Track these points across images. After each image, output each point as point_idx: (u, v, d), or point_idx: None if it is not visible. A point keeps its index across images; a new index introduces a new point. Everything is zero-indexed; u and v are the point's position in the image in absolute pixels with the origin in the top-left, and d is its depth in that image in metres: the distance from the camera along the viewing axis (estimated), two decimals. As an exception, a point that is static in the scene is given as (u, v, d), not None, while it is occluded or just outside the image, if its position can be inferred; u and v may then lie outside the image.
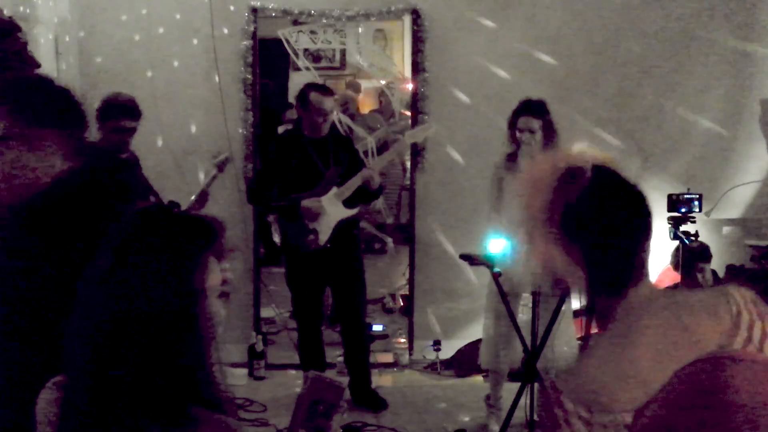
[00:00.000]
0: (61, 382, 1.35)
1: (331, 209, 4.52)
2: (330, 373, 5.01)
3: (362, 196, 4.66)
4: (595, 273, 1.35)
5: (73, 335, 1.29)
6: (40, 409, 1.36)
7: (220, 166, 4.61)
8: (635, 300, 1.34)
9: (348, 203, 4.57)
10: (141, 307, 1.24)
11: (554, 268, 1.36)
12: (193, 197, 4.48)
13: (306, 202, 4.46)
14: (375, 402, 4.75)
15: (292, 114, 6.73)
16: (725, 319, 1.30)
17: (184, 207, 4.35)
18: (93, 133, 3.99)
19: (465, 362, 5.27)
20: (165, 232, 1.31)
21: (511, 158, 4.30)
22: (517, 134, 4.23)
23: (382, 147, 6.34)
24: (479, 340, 4.65)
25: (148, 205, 1.37)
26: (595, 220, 1.34)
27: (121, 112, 4.10)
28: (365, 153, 5.92)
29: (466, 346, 5.32)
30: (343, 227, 4.56)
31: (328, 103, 4.52)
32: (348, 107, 7.20)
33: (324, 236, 4.51)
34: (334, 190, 4.54)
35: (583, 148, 1.39)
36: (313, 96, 4.48)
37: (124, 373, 1.23)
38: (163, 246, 1.29)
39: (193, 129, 5.40)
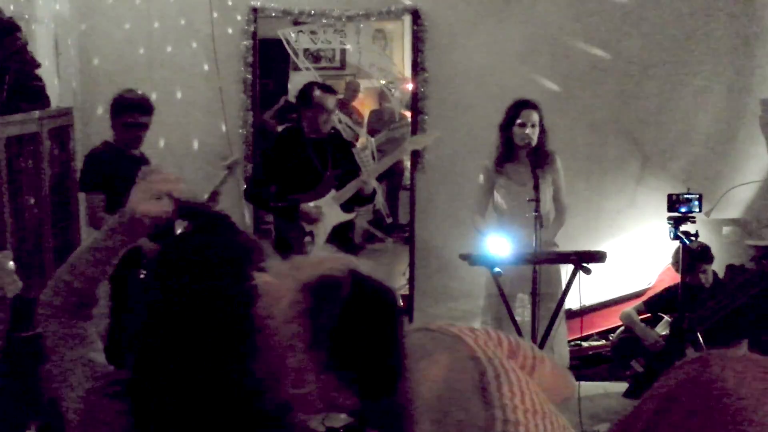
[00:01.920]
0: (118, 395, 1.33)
1: (329, 212, 4.52)
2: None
3: (357, 201, 4.67)
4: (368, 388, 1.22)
5: (141, 347, 1.29)
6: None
7: (230, 168, 4.61)
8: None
9: (344, 207, 4.58)
10: (205, 322, 1.22)
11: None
12: (205, 196, 4.48)
13: (305, 207, 4.46)
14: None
15: (269, 115, 6.73)
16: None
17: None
18: (107, 131, 3.99)
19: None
20: (218, 247, 1.30)
21: (502, 162, 4.32)
22: (517, 130, 4.24)
23: (383, 148, 6.35)
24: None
25: (196, 222, 1.37)
26: (357, 349, 1.18)
27: (133, 107, 4.13)
28: (365, 154, 5.93)
29: None
30: (339, 230, 4.56)
31: (331, 101, 4.52)
32: (348, 103, 7.23)
33: (320, 239, 4.51)
34: (332, 193, 4.54)
35: (321, 257, 1.25)
36: (317, 94, 4.48)
37: (198, 377, 1.22)
38: (216, 262, 1.27)
39: (193, 129, 5.40)
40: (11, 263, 2.29)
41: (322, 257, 1.24)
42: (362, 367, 1.22)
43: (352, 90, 7.76)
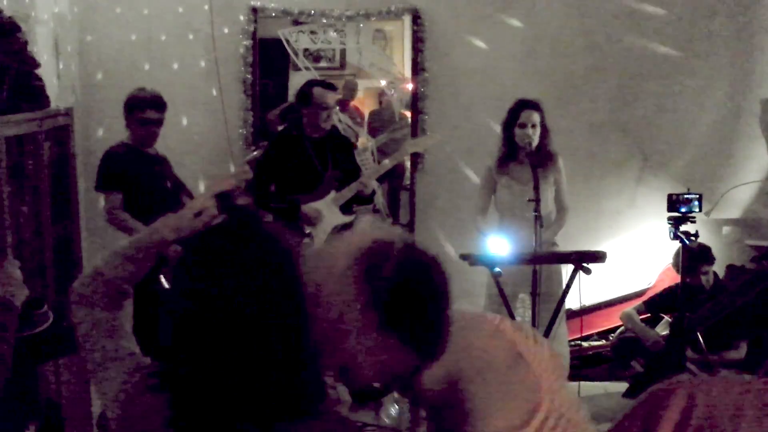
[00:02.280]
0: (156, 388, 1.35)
1: (328, 214, 4.52)
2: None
3: (356, 201, 4.67)
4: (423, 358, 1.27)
5: (173, 329, 1.31)
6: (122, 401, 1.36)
7: (251, 163, 4.59)
8: None
9: (344, 208, 4.58)
10: (248, 304, 1.25)
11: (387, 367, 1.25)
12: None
13: (306, 209, 4.46)
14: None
15: (273, 114, 6.73)
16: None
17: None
18: (107, 131, 4.00)
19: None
20: (266, 236, 1.33)
21: (504, 161, 4.32)
22: (518, 130, 4.25)
23: (384, 148, 6.34)
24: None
25: (240, 213, 1.41)
26: (415, 307, 1.26)
27: (145, 103, 4.16)
28: (365, 154, 5.92)
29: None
30: (339, 231, 4.56)
31: (331, 98, 4.52)
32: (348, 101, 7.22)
33: (319, 241, 4.51)
34: (332, 194, 4.53)
35: (367, 227, 1.31)
36: (317, 91, 4.48)
37: (241, 369, 1.24)
38: (267, 249, 1.30)
39: (193, 129, 5.40)
40: (18, 271, 2.30)
41: (367, 228, 1.31)
42: (415, 328, 1.28)
43: (350, 89, 7.75)
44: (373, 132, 7.12)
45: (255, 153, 4.73)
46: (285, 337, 1.26)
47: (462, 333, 1.34)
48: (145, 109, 4.15)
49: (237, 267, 1.27)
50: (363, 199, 4.65)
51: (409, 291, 1.26)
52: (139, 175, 4.13)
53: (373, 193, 4.72)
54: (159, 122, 4.22)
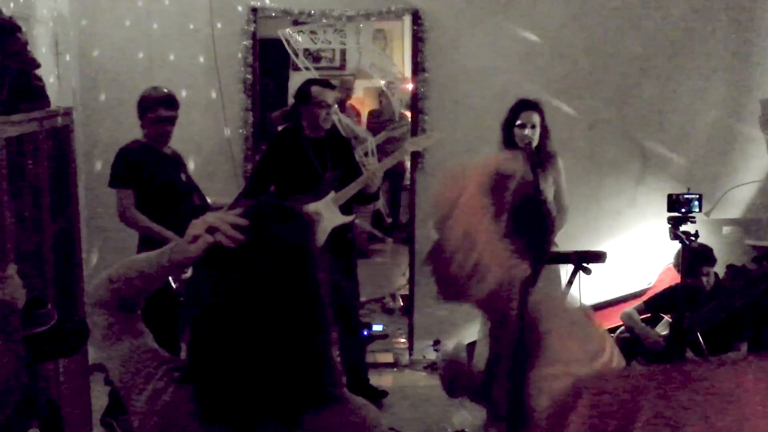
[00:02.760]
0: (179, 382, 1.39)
1: (328, 214, 4.51)
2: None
3: (359, 199, 4.67)
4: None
5: (200, 324, 1.37)
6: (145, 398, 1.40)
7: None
8: None
9: (344, 209, 4.57)
10: (268, 296, 1.32)
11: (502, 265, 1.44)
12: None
13: (304, 208, 4.46)
14: (373, 394, 4.76)
15: (276, 115, 6.73)
16: None
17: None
18: (107, 130, 3.99)
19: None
20: (283, 226, 1.40)
21: None
22: (517, 131, 4.25)
23: (383, 148, 6.34)
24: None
25: (263, 203, 1.50)
26: (534, 216, 1.50)
27: (157, 102, 4.19)
28: (366, 154, 5.92)
29: (466, 346, 5.30)
30: (338, 231, 4.56)
31: (330, 96, 4.51)
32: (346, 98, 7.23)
33: (318, 241, 4.50)
34: (332, 194, 4.53)
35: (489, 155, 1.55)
36: (315, 89, 4.49)
37: (263, 361, 1.31)
38: (284, 238, 1.38)
39: (193, 129, 5.39)
40: (16, 275, 2.32)
41: (489, 156, 1.59)
42: (534, 237, 1.51)
43: (346, 89, 7.75)
44: (372, 131, 7.12)
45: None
46: (301, 326, 1.33)
47: (544, 286, 1.56)
48: (157, 108, 4.17)
49: (254, 260, 1.34)
50: (366, 198, 4.65)
51: (529, 206, 1.49)
52: (153, 173, 4.16)
53: (378, 191, 4.73)
54: (171, 120, 4.24)
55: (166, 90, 4.30)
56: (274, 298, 1.31)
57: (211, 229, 1.37)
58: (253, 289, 1.31)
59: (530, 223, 1.49)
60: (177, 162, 4.38)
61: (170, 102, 4.23)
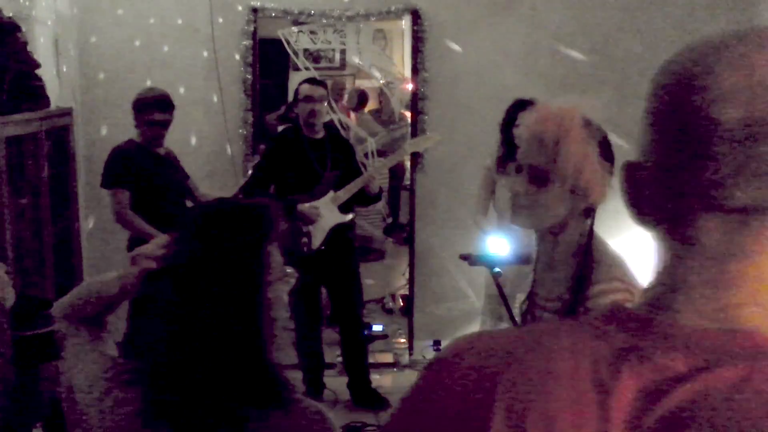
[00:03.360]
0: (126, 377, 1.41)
1: (327, 214, 4.52)
2: (330, 373, 5.02)
3: (361, 200, 4.68)
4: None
5: (149, 329, 1.39)
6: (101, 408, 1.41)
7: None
8: None
9: (343, 208, 4.58)
10: (210, 301, 1.33)
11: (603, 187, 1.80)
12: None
13: (303, 207, 4.47)
14: (375, 401, 4.75)
15: (271, 118, 6.73)
16: None
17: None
18: (107, 130, 4.00)
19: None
20: (227, 227, 1.39)
21: (503, 162, 4.32)
22: (516, 131, 4.24)
23: (383, 150, 6.34)
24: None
25: (209, 203, 1.50)
26: (611, 149, 1.87)
27: (151, 105, 4.19)
28: (365, 155, 5.93)
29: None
30: (337, 231, 4.56)
31: (318, 91, 4.54)
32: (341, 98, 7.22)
33: (317, 241, 4.51)
34: (331, 194, 4.54)
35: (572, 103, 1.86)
36: (303, 87, 4.56)
37: (204, 362, 1.32)
38: (227, 241, 1.37)
39: (193, 129, 5.40)
40: (5, 275, 2.31)
41: (573, 103, 1.85)
42: (612, 159, 1.83)
43: (338, 89, 7.74)
44: (372, 132, 7.12)
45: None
46: (243, 329, 1.34)
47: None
48: (151, 111, 4.18)
49: (199, 264, 1.35)
50: (368, 198, 4.66)
51: (608, 140, 1.86)
52: (146, 174, 4.16)
53: (380, 191, 4.73)
54: (165, 123, 4.26)
55: (161, 91, 4.29)
56: (216, 302, 1.32)
57: (135, 260, 1.45)
58: (196, 292, 1.32)
59: (611, 148, 1.94)
60: (171, 163, 4.38)
61: (165, 105, 4.23)
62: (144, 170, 4.14)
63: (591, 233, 1.87)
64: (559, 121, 1.77)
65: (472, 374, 0.74)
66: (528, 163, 1.80)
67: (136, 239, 4.01)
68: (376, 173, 4.68)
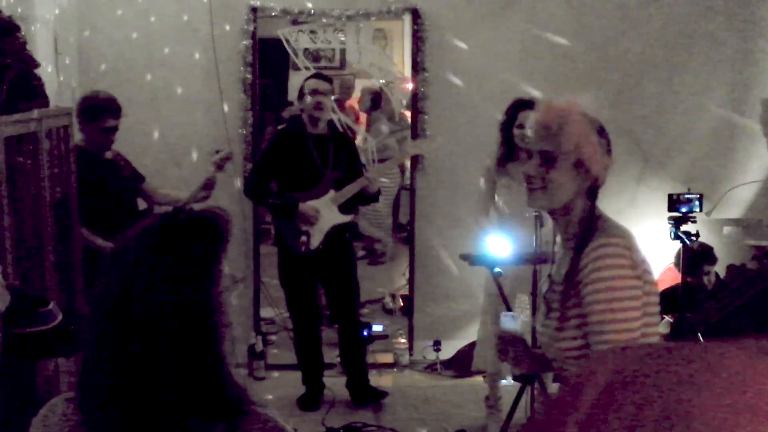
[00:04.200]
0: (73, 396, 1.36)
1: (326, 213, 4.51)
2: (330, 373, 5.02)
3: (360, 200, 4.68)
4: None
5: (92, 343, 1.32)
6: (51, 423, 1.37)
7: (220, 165, 4.52)
8: None
9: (343, 208, 4.57)
10: (157, 316, 1.27)
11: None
12: (198, 188, 4.43)
13: (303, 207, 4.46)
14: (373, 395, 4.75)
15: (289, 112, 6.73)
16: None
17: (189, 192, 4.35)
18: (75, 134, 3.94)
19: (465, 362, 5.27)
20: (175, 242, 1.32)
21: (503, 161, 4.32)
22: (516, 131, 4.24)
23: (384, 150, 6.34)
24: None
25: (158, 216, 1.40)
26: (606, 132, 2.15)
27: (105, 111, 4.07)
28: (365, 155, 5.91)
29: (465, 346, 5.31)
30: (336, 231, 4.55)
31: (323, 85, 4.54)
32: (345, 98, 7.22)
33: (316, 240, 4.51)
34: (331, 193, 4.53)
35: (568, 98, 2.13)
36: (308, 81, 4.56)
37: (149, 376, 1.27)
38: (174, 257, 1.30)
39: (193, 129, 5.39)
40: (0, 277, 2.30)
41: (569, 98, 2.11)
42: (609, 142, 2.14)
43: (346, 88, 7.74)
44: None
45: (223, 153, 4.61)
46: (192, 342, 1.29)
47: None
48: (104, 118, 4.05)
49: (148, 276, 1.29)
50: (367, 198, 4.66)
51: (604, 128, 2.13)
52: (90, 180, 3.95)
53: (379, 192, 4.73)
54: (116, 129, 4.12)
55: (110, 95, 4.14)
56: (163, 315, 1.27)
57: None
58: (144, 306, 1.27)
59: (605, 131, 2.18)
60: (116, 166, 4.23)
61: (116, 110, 4.09)
62: (86, 176, 3.90)
63: (593, 206, 2.13)
64: (561, 110, 2.06)
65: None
66: (538, 149, 2.07)
67: (87, 248, 3.84)
68: (377, 173, 4.67)
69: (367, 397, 4.77)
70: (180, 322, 1.28)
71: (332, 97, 4.86)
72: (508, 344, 2.31)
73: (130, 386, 1.27)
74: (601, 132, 2.11)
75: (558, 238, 2.22)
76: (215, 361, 1.30)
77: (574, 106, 2.09)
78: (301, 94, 4.61)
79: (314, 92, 4.51)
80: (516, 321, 2.37)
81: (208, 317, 1.30)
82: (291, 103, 6.81)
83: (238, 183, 5.28)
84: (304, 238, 4.48)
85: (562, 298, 2.03)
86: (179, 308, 1.28)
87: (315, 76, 4.66)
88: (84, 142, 4.09)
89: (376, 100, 7.55)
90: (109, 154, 4.21)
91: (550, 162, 2.06)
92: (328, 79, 4.70)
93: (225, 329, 1.33)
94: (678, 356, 0.71)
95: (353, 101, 7.89)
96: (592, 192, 2.14)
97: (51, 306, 2.48)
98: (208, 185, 4.40)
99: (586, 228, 2.09)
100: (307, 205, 4.48)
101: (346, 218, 4.61)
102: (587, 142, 2.04)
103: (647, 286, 2.01)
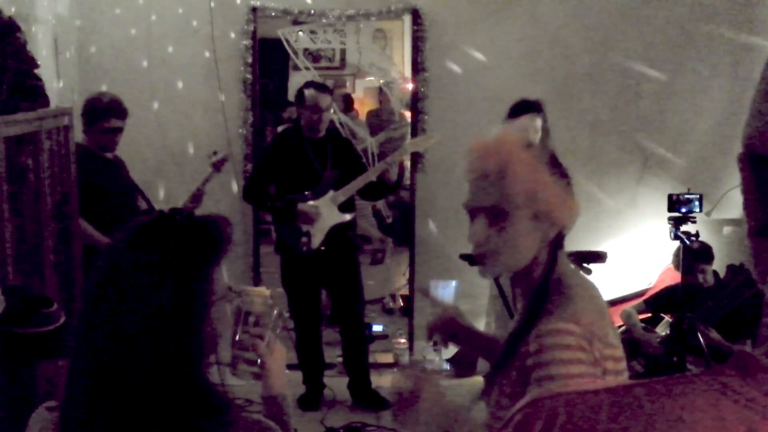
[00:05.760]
0: (55, 405, 1.34)
1: (326, 213, 4.51)
2: (330, 373, 5.02)
3: (383, 190, 4.66)
4: None
5: (75, 353, 1.30)
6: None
7: (217, 166, 4.58)
8: None
9: (343, 208, 4.57)
10: (141, 322, 1.24)
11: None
12: (187, 198, 4.47)
13: (302, 206, 4.46)
14: (375, 402, 4.74)
15: (289, 112, 6.73)
16: None
17: (179, 206, 4.34)
18: (79, 135, 3.96)
19: (465, 362, 5.26)
20: (167, 246, 1.28)
21: None
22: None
23: (383, 148, 6.34)
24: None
25: (151, 218, 1.36)
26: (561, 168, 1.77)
27: (109, 112, 4.09)
28: (365, 152, 5.92)
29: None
30: (337, 230, 4.55)
31: (324, 100, 4.51)
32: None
33: (317, 240, 4.51)
34: (331, 193, 4.53)
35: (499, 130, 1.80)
36: (309, 93, 4.50)
37: (131, 387, 1.24)
38: (165, 261, 1.27)
39: (193, 129, 5.39)
40: None
41: (520, 124, 2.02)
42: (566, 178, 1.75)
43: (349, 103, 7.78)
44: (372, 131, 7.13)
45: (220, 155, 4.65)
46: (174, 351, 1.26)
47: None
48: (109, 119, 4.07)
49: (133, 275, 1.26)
50: (389, 187, 4.64)
51: (557, 158, 1.75)
52: (98, 180, 4.02)
53: (401, 180, 4.72)
54: (121, 130, 4.15)
55: (115, 97, 4.17)
56: (146, 321, 1.24)
57: None
58: (124, 311, 1.24)
59: (560, 167, 1.82)
60: (118, 166, 4.26)
61: (121, 111, 4.12)
62: (89, 176, 3.95)
63: (549, 261, 1.62)
64: (498, 150, 1.65)
65: None
66: (480, 206, 1.69)
67: (88, 247, 3.84)
68: (373, 174, 4.65)
69: (368, 401, 4.77)
70: (159, 328, 1.24)
71: (331, 111, 4.83)
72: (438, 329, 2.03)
73: (110, 393, 1.24)
74: (554, 163, 1.71)
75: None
76: (195, 370, 1.27)
77: (513, 141, 1.68)
78: (299, 97, 4.58)
79: (315, 109, 4.47)
80: (449, 290, 2.09)
81: (190, 325, 1.26)
82: (291, 103, 6.80)
83: (238, 183, 5.28)
84: (305, 238, 4.48)
85: (503, 358, 1.70)
86: (158, 311, 1.24)
87: (316, 87, 4.58)
88: (87, 142, 4.12)
89: (348, 103, 7.59)
90: (110, 155, 4.22)
91: (500, 220, 1.63)
92: (329, 91, 4.68)
93: (211, 340, 1.30)
94: (635, 403, 0.69)
95: (357, 102, 7.91)
96: (557, 242, 1.65)
97: (55, 307, 2.48)
98: (196, 197, 4.45)
99: (540, 295, 1.60)
100: (307, 205, 4.48)
101: (346, 218, 4.61)
102: (540, 184, 1.61)
103: (608, 363, 1.55)
